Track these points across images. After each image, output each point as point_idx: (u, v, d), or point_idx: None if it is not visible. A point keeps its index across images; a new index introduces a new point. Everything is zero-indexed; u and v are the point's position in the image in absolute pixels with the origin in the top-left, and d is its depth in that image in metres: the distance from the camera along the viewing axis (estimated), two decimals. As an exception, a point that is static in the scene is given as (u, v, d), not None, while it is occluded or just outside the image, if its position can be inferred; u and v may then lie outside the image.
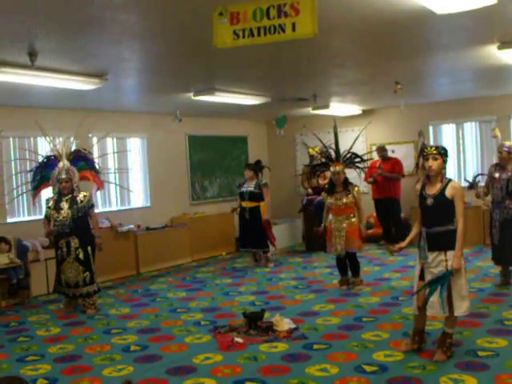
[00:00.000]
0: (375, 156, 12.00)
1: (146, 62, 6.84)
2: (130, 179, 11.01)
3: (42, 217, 8.00)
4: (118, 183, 10.09)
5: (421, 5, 4.62)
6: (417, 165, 5.92)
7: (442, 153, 5.26)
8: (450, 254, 5.07)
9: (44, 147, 8.98)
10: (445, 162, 5.27)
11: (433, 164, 5.20)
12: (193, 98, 9.07)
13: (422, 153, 5.52)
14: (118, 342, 6.26)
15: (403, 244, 5.59)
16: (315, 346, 5.78)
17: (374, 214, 12.22)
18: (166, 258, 10.82)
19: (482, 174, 8.55)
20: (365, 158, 8.77)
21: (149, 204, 11.33)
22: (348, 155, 8.30)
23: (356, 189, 8.04)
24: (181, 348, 5.96)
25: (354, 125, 12.74)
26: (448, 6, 4.64)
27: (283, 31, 3.95)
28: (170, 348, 5.96)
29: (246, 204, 10.33)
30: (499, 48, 6.55)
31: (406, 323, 6.22)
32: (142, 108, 10.66)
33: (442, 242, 5.11)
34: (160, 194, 11.45)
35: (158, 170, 11.45)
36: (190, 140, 12.24)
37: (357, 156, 8.38)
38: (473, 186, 8.10)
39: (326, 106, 11.16)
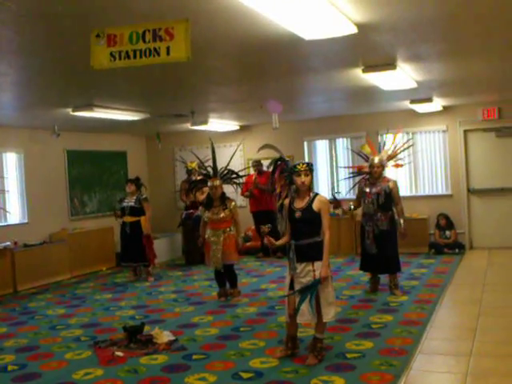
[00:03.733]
0: (252, 170, 12.35)
1: (22, 77, 6.75)
2: (6, 195, 10.73)
3: None
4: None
5: (289, 31, 4.91)
6: (272, 181, 6.07)
7: (312, 169, 5.60)
8: (317, 264, 5.37)
9: None
10: (312, 176, 5.59)
11: (305, 179, 5.48)
12: (71, 113, 9.04)
13: (285, 169, 5.75)
14: (-6, 362, 6.13)
15: (274, 242, 5.72)
16: (194, 357, 5.93)
17: (253, 227, 12.56)
18: (45, 274, 10.63)
19: (338, 192, 8.96)
20: (241, 173, 9.00)
21: (26, 220, 11.10)
22: (225, 172, 8.51)
23: (233, 203, 8.26)
24: (60, 365, 5.91)
25: (232, 140, 13.08)
26: (314, 32, 4.96)
27: (158, 55, 4.12)
28: (49, 365, 5.91)
29: (127, 219, 10.35)
30: (363, 71, 7.01)
31: (281, 331, 6.45)
32: (18, 122, 10.45)
33: (310, 253, 5.40)
34: (38, 209, 11.24)
35: (36, 186, 11.24)
36: (68, 155, 12.11)
37: (233, 173, 8.62)
38: (338, 204, 8.37)
39: (205, 122, 11.38)
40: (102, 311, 8.27)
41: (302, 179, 5.48)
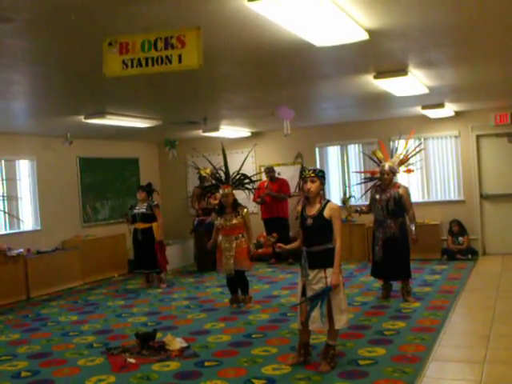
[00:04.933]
0: (264, 177, 12.37)
1: (35, 85, 6.80)
2: (19, 203, 10.79)
3: None
4: (6, 209, 9.94)
5: (301, 38, 4.91)
6: (298, 186, 6.18)
7: (320, 175, 5.57)
8: (329, 271, 5.37)
9: None
10: (322, 183, 5.58)
11: (311, 186, 5.50)
12: (83, 120, 9.08)
13: (301, 175, 5.82)
14: (7, 368, 6.12)
15: (284, 246, 5.90)
16: (206, 363, 5.93)
17: (265, 234, 12.54)
18: (58, 281, 10.67)
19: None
20: (253, 178, 9.01)
21: (39, 227, 11.14)
22: (237, 177, 8.52)
23: (245, 210, 8.28)
24: (73, 371, 5.92)
25: (244, 147, 13.08)
26: (325, 39, 4.96)
27: (170, 62, 4.14)
28: (62, 372, 5.92)
29: (139, 225, 10.37)
30: (375, 77, 7.01)
31: (294, 338, 6.44)
32: (31, 130, 10.51)
33: (322, 260, 5.41)
34: (50, 216, 11.28)
35: (49, 193, 11.28)
36: (81, 162, 12.16)
37: (246, 177, 8.63)
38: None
39: (216, 129, 11.41)
40: (114, 318, 8.29)
41: (308, 186, 5.50)
